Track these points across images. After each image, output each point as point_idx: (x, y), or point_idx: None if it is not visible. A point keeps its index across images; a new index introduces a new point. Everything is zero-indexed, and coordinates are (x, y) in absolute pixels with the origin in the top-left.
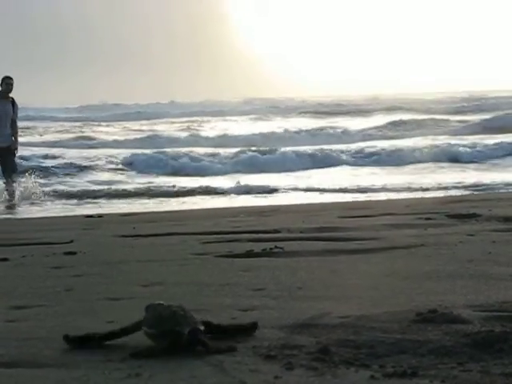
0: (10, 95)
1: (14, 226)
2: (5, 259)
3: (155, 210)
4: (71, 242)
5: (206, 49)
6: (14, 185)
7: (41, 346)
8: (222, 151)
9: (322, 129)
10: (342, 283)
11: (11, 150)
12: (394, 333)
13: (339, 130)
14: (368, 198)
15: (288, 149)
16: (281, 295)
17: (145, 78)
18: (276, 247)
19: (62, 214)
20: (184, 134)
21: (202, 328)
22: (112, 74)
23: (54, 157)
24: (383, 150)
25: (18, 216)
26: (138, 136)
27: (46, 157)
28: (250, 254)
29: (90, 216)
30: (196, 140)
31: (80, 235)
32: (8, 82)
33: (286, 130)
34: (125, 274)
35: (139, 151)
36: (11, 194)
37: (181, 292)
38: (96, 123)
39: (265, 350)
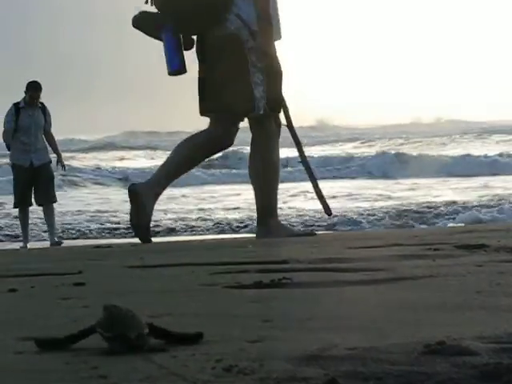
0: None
1: (22, 257)
2: (13, 290)
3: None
4: (80, 272)
5: None
6: (55, 225)
7: (50, 378)
8: None
9: None
10: (350, 314)
11: (49, 169)
12: (402, 364)
13: None
14: None
15: None
16: (289, 326)
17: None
18: (284, 278)
19: (71, 244)
20: None
21: (147, 331)
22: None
23: None
24: None
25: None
26: None
27: None
28: (258, 285)
29: (99, 246)
30: None
31: (88, 266)
32: (34, 85)
33: None
34: (133, 304)
35: None
36: (53, 242)
37: (189, 323)
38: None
39: (272, 381)
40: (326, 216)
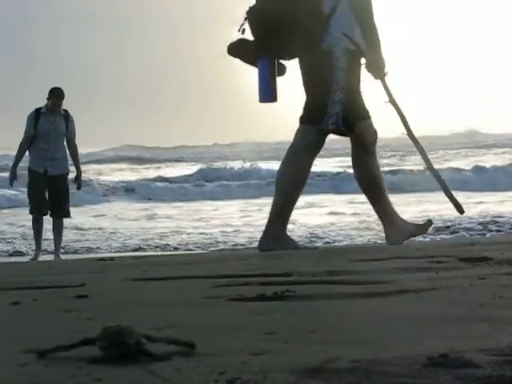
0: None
1: (24, 270)
2: (16, 303)
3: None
4: (83, 285)
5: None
6: (61, 242)
7: None
8: None
9: None
10: (353, 327)
11: (64, 181)
12: (405, 377)
13: None
14: None
15: None
16: (292, 339)
17: None
18: (287, 291)
19: (75, 257)
20: None
21: (144, 340)
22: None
23: None
24: None
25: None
26: None
27: None
28: (261, 298)
29: (102, 259)
30: None
31: (91, 278)
32: (57, 92)
33: None
34: (136, 317)
35: None
36: (57, 255)
37: (192, 335)
38: None
39: None
40: (459, 214)
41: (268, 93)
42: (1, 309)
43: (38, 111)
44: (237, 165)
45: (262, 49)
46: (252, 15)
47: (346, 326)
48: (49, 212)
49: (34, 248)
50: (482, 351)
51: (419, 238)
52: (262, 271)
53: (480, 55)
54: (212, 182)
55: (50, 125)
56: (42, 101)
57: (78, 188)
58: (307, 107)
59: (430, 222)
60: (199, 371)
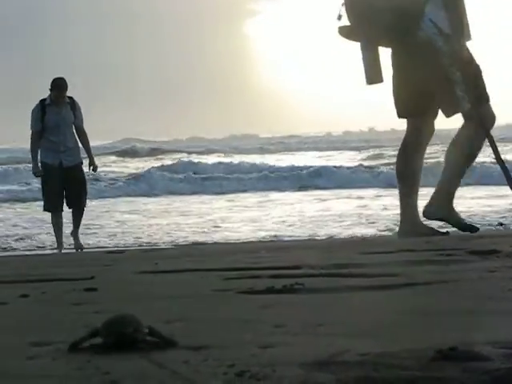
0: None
1: (34, 262)
2: (25, 295)
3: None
4: (92, 278)
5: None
6: (79, 229)
7: (62, 383)
8: None
9: None
10: (362, 320)
11: (80, 171)
12: (414, 370)
13: None
14: None
15: None
16: (301, 332)
17: None
18: (297, 284)
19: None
20: None
21: (146, 330)
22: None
23: None
24: None
25: (39, 251)
26: None
27: None
28: (270, 291)
29: (111, 252)
30: None
31: (101, 271)
32: (60, 84)
33: None
34: (145, 310)
35: None
36: (78, 247)
37: (201, 328)
38: None
39: None
40: None
41: (371, 76)
42: (10, 301)
43: (42, 103)
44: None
45: (359, 34)
46: (347, 1)
47: (354, 319)
48: (64, 204)
49: (56, 246)
50: (490, 344)
51: None
52: (272, 264)
53: None
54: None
55: (57, 117)
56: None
57: (94, 170)
58: (437, 99)
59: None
60: (208, 364)
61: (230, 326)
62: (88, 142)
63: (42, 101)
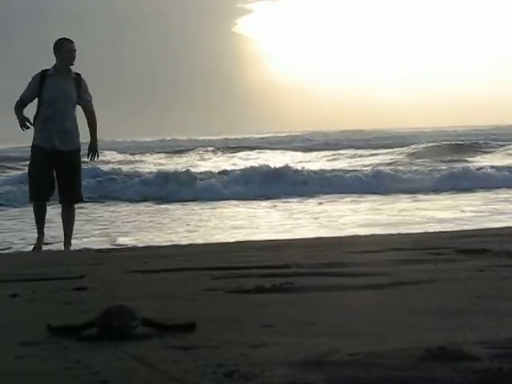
0: (73, 70)
1: (23, 261)
2: (14, 295)
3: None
4: (82, 277)
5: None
6: (71, 233)
7: (50, 383)
8: None
9: None
10: (351, 319)
11: (75, 159)
12: (403, 370)
13: None
14: None
15: None
16: (290, 331)
17: None
18: (286, 283)
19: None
20: None
21: (136, 323)
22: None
23: None
24: None
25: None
26: None
27: None
28: (259, 290)
29: (101, 250)
30: None
31: (91, 270)
32: (68, 47)
33: None
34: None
35: None
36: (66, 244)
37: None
38: None
39: None
40: None
41: None
42: (0, 301)
43: (43, 73)
44: None
45: None
46: None
47: (344, 319)
48: (51, 197)
49: (37, 235)
50: (480, 344)
51: (417, 230)
52: (261, 263)
53: None
54: None
55: (58, 88)
56: None
57: (93, 157)
58: None
59: None
60: (197, 364)
61: (220, 326)
62: (95, 123)
63: (44, 70)
